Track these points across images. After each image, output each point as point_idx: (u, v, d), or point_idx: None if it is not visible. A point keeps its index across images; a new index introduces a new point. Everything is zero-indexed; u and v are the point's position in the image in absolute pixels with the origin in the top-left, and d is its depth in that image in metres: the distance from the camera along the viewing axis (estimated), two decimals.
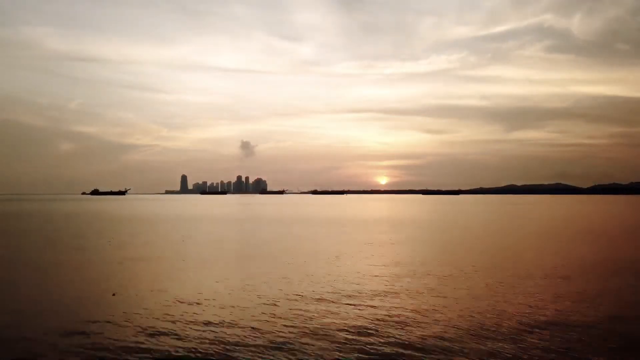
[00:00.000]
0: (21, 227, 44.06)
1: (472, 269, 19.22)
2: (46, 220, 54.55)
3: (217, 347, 10.02)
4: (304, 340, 10.41)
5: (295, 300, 13.98)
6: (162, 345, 10.14)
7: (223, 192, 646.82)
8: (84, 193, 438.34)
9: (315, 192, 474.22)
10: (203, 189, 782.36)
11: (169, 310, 12.83)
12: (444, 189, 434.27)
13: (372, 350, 9.76)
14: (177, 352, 9.74)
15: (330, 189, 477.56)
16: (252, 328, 11.26)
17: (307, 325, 11.43)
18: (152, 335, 10.79)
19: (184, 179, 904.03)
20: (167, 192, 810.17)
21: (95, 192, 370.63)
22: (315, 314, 12.41)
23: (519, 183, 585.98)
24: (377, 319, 11.91)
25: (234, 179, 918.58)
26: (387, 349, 9.83)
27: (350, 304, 13.40)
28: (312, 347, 9.96)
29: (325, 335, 10.72)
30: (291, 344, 10.16)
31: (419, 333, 10.83)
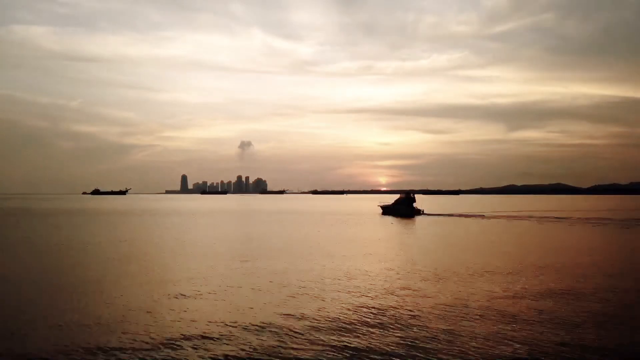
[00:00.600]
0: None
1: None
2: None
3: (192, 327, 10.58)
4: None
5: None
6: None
7: (223, 192, 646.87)
8: (84, 193, 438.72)
9: (315, 192, 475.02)
10: (203, 189, 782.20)
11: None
12: (444, 189, 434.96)
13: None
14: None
15: (330, 189, 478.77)
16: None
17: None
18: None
19: (184, 178, 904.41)
20: (168, 192, 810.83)
21: (96, 192, 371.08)
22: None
23: (519, 183, 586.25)
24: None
25: (234, 179, 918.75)
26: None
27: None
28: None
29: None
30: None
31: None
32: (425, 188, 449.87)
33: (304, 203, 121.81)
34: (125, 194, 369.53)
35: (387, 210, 74.97)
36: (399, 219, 61.40)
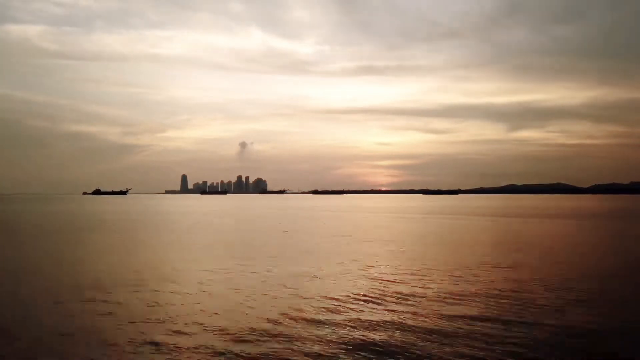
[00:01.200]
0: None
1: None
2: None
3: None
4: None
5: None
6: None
7: (223, 192, 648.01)
8: (85, 193, 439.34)
9: (315, 192, 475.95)
10: (203, 189, 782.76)
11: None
12: (444, 188, 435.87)
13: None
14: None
15: (330, 189, 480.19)
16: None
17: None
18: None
19: (184, 178, 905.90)
20: (168, 192, 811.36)
21: (97, 192, 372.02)
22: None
23: (519, 183, 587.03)
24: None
25: (234, 179, 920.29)
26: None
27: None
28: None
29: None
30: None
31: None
32: (425, 188, 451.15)
33: (327, 202, 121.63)
34: (125, 194, 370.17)
35: None
36: None
